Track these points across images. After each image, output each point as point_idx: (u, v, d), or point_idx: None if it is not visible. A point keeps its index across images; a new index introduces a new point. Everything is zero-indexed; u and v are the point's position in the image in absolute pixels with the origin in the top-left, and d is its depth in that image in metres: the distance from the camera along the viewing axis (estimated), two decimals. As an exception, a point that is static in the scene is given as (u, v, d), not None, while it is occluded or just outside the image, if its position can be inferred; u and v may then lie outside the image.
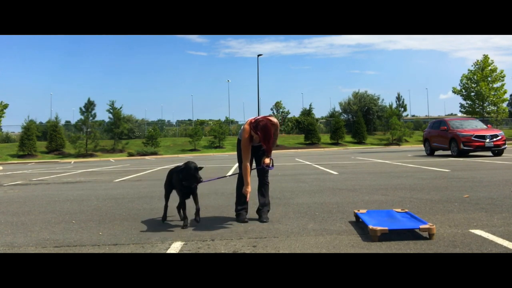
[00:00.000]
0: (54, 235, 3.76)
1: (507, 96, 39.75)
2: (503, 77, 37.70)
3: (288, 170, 10.83)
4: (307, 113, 40.88)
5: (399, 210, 3.95)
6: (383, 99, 47.91)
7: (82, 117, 31.57)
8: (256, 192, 4.20)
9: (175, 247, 3.16)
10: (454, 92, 39.43)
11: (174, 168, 4.14)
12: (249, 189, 3.92)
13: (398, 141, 35.77)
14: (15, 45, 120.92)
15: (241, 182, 4.11)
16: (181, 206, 3.96)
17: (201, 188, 7.07)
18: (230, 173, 8.15)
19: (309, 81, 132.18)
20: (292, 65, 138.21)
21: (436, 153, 16.04)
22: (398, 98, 37.96)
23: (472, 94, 38.30)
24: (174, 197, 4.48)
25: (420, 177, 7.66)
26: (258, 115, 4.09)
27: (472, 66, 38.91)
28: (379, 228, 3.16)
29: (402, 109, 37.69)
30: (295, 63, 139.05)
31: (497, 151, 13.76)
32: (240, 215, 4.08)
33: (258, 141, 3.88)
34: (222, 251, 3.02)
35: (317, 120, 40.70)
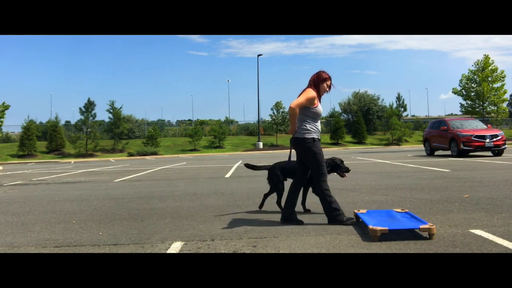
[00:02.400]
0: (54, 235, 3.76)
1: (507, 96, 39.67)
2: (503, 77, 37.60)
3: (288, 170, 10.81)
4: (307, 113, 40.83)
5: (399, 210, 3.95)
6: (383, 99, 47.80)
7: (82, 117, 31.55)
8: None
9: (175, 247, 3.16)
10: (454, 92, 39.37)
11: (286, 163, 4.33)
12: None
13: (398, 141, 35.76)
14: (15, 45, 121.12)
15: (295, 187, 3.99)
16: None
17: (201, 188, 7.08)
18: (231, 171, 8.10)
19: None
20: (292, 65, 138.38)
21: (436, 153, 16.04)
22: (398, 98, 37.92)
23: (472, 94, 38.24)
24: (175, 197, 4.49)
25: (420, 177, 7.66)
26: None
27: (472, 66, 38.82)
28: (379, 228, 3.16)
29: (402, 109, 37.62)
30: (295, 63, 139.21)
31: (497, 151, 13.76)
32: (293, 215, 3.93)
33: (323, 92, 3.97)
34: (222, 251, 3.02)
35: (317, 120, 40.62)
